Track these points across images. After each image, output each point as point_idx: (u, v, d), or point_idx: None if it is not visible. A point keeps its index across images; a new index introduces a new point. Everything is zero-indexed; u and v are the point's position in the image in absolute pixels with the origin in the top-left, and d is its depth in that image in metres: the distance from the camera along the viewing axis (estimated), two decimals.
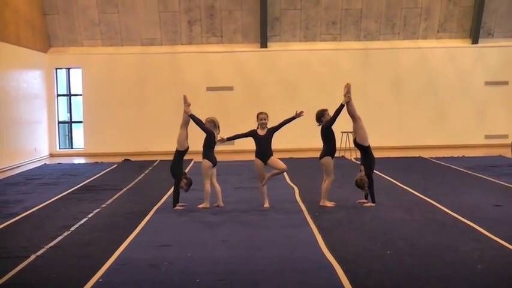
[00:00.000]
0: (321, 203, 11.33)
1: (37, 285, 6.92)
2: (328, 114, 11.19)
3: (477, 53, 23.49)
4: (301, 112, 11.10)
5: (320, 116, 11.22)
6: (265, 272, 7.20)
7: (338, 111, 11.04)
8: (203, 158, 11.26)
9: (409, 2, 23.06)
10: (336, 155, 11.48)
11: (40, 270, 7.50)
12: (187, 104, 11.43)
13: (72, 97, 23.83)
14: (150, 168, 18.07)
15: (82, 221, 10.40)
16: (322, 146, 11.27)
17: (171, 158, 11.56)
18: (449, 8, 23.25)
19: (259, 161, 11.12)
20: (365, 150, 11.25)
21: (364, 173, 11.19)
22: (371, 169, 11.26)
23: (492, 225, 9.38)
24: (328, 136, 11.18)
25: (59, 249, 8.52)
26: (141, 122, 22.99)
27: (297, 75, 23.20)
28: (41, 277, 7.20)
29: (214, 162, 11.30)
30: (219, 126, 11.44)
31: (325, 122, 11.14)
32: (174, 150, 11.43)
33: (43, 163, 20.26)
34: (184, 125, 11.39)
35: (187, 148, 11.33)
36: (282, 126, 11.20)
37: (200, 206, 11.37)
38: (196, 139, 11.55)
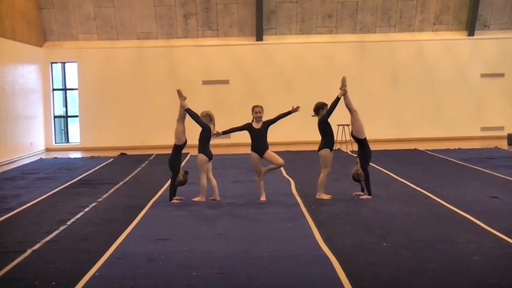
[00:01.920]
0: (317, 196, 11.35)
1: (34, 279, 6.91)
2: (327, 108, 11.18)
3: (473, 45, 23.50)
4: (298, 107, 11.12)
5: (319, 108, 11.21)
6: (262, 265, 7.21)
7: (334, 105, 11.07)
8: (199, 152, 11.25)
9: None
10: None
11: (37, 264, 7.51)
12: (182, 97, 11.40)
13: (67, 91, 23.79)
14: (146, 162, 18.06)
15: (79, 215, 10.40)
16: (319, 139, 11.30)
17: (167, 151, 11.58)
18: (445, 1, 23.24)
19: (255, 155, 11.13)
20: (361, 143, 11.26)
21: (359, 165, 11.21)
22: (367, 162, 11.27)
23: (488, 217, 9.40)
24: (325, 129, 11.19)
25: (55, 244, 8.52)
26: (137, 116, 22.96)
27: (293, 68, 23.19)
28: (37, 271, 7.20)
29: (210, 156, 11.29)
30: (214, 120, 11.42)
31: (322, 116, 11.15)
32: (170, 143, 11.44)
33: (39, 157, 20.24)
34: (181, 119, 11.37)
35: (185, 142, 11.33)
36: (278, 120, 11.24)
37: (195, 199, 11.37)
38: (192, 133, 11.54)
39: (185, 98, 11.40)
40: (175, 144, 11.32)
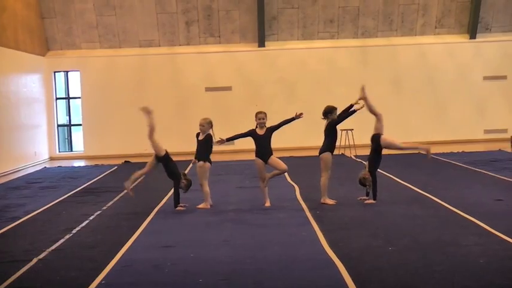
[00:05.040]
0: (321, 201, 11.35)
1: None
2: (336, 113, 11.18)
3: (475, 48, 23.50)
4: (301, 114, 11.10)
5: (328, 112, 11.20)
6: (268, 271, 7.21)
7: (347, 115, 11.08)
8: (204, 161, 11.29)
9: None
10: (336, 152, 11.49)
11: (43, 273, 7.51)
12: (149, 114, 11.46)
13: (71, 100, 23.84)
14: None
15: (84, 224, 10.42)
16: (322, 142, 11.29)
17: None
18: (447, 4, 23.26)
19: (259, 161, 11.13)
20: (379, 149, 11.29)
21: (367, 169, 11.22)
22: (376, 167, 11.29)
23: (493, 220, 9.39)
24: (331, 133, 11.20)
25: (61, 252, 8.53)
26: (140, 123, 22.77)
27: (296, 73, 23.21)
28: (44, 280, 7.21)
29: (210, 163, 11.41)
30: (212, 126, 11.46)
31: (332, 120, 11.14)
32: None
33: (43, 166, 20.27)
34: (152, 134, 11.45)
35: (166, 151, 11.40)
36: (281, 126, 11.19)
37: (200, 206, 11.40)
38: (193, 140, 11.57)
39: (151, 112, 11.45)
40: (160, 156, 11.37)
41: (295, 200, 11.94)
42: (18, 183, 16.13)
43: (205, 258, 7.86)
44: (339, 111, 11.22)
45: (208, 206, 11.36)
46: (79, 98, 23.42)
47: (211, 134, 11.33)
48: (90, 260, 7.99)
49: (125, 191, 11.39)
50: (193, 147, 11.60)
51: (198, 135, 11.50)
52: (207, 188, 11.35)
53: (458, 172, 15.27)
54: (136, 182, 11.44)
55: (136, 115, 22.63)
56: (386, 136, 11.37)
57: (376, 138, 11.35)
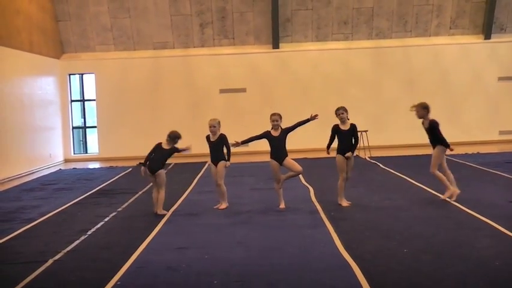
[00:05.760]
0: (338, 202, 11.34)
1: None
2: (339, 114, 11.16)
3: (490, 49, 23.39)
4: (316, 115, 11.08)
5: (336, 111, 11.24)
6: (282, 273, 7.21)
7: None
8: (221, 160, 11.33)
9: None
10: None
11: (58, 274, 7.55)
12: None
13: (85, 102, 23.95)
14: (165, 171, 18.04)
15: (99, 225, 10.46)
16: (336, 146, 11.30)
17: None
18: (461, 4, 23.17)
19: (274, 162, 11.13)
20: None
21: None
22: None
23: (508, 222, 9.34)
24: (336, 135, 11.23)
25: (76, 253, 8.57)
26: (154, 125, 23.03)
27: (310, 75, 23.21)
28: (59, 281, 7.25)
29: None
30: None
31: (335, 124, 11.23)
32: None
33: (58, 168, 20.37)
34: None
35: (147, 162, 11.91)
36: (296, 127, 11.19)
37: (221, 207, 11.46)
38: (204, 142, 11.65)
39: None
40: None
41: (309, 202, 11.94)
42: (33, 185, 16.22)
43: (219, 260, 7.88)
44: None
45: (227, 205, 11.45)
46: (94, 100, 23.53)
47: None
48: (105, 261, 8.03)
49: (163, 213, 11.31)
50: (206, 148, 11.62)
51: (208, 137, 11.53)
52: (224, 187, 11.44)
53: (472, 173, 15.20)
54: (163, 202, 11.45)
55: (151, 117, 22.91)
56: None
57: (445, 143, 11.93)
